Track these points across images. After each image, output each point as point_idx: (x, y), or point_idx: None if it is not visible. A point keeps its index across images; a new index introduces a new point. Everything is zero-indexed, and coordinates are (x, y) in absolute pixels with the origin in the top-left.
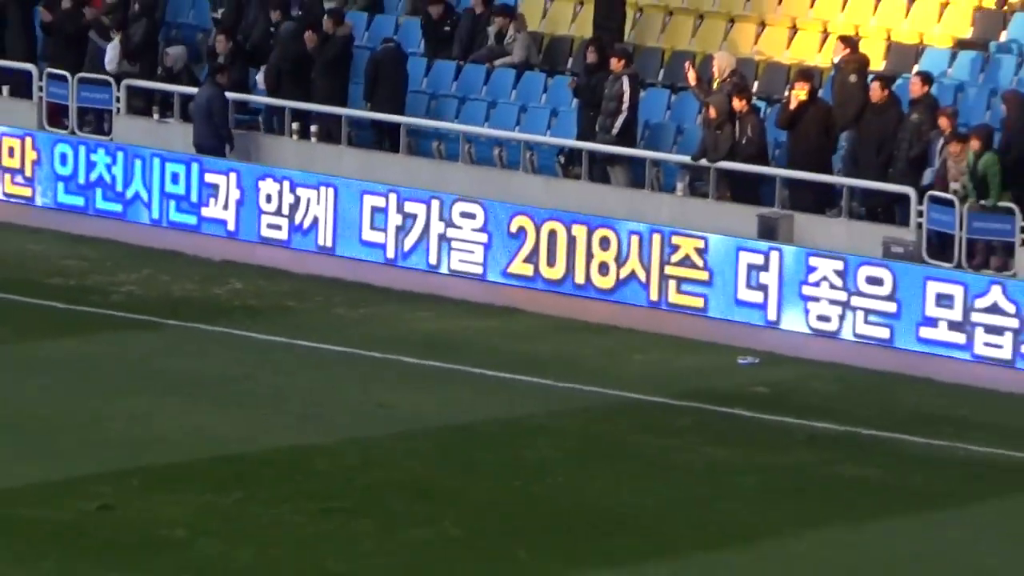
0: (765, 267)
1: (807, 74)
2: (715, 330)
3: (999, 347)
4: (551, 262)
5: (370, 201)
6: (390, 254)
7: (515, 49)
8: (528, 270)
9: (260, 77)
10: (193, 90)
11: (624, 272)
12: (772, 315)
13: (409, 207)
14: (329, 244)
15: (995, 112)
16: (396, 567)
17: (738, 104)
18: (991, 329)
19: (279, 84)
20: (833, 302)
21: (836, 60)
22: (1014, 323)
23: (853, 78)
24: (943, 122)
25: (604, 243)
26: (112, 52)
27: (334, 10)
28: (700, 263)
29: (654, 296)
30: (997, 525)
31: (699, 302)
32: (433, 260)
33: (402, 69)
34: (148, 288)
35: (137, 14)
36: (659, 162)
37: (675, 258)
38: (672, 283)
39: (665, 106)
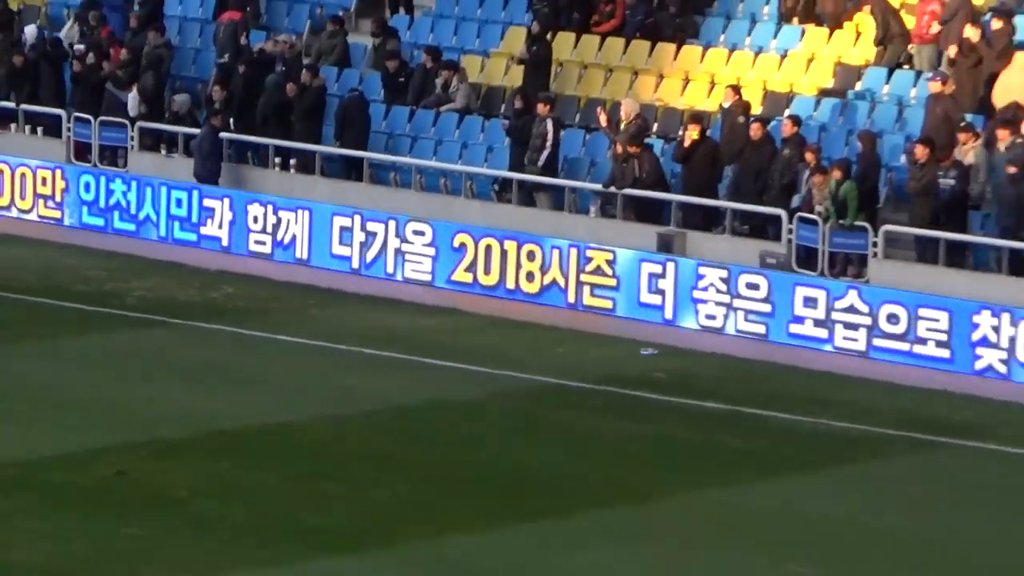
0: (663, 275)
1: (698, 117)
2: (622, 327)
3: (855, 340)
4: (487, 271)
5: (339, 221)
6: (355, 264)
7: (458, 97)
8: (468, 278)
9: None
10: (195, 131)
11: (547, 279)
12: (668, 314)
13: (371, 226)
14: (305, 257)
15: (852, 148)
16: (360, 521)
17: (634, 149)
18: (848, 326)
19: (266, 126)
20: (719, 304)
21: (726, 105)
22: (867, 321)
23: (740, 119)
24: (809, 156)
25: (531, 256)
26: (133, 101)
27: (310, 65)
28: (609, 272)
29: (571, 299)
30: (853, 486)
31: (608, 304)
32: (390, 269)
33: (365, 113)
34: (157, 293)
35: (145, 67)
36: (576, 189)
37: (589, 268)
38: (586, 288)
39: (581, 143)
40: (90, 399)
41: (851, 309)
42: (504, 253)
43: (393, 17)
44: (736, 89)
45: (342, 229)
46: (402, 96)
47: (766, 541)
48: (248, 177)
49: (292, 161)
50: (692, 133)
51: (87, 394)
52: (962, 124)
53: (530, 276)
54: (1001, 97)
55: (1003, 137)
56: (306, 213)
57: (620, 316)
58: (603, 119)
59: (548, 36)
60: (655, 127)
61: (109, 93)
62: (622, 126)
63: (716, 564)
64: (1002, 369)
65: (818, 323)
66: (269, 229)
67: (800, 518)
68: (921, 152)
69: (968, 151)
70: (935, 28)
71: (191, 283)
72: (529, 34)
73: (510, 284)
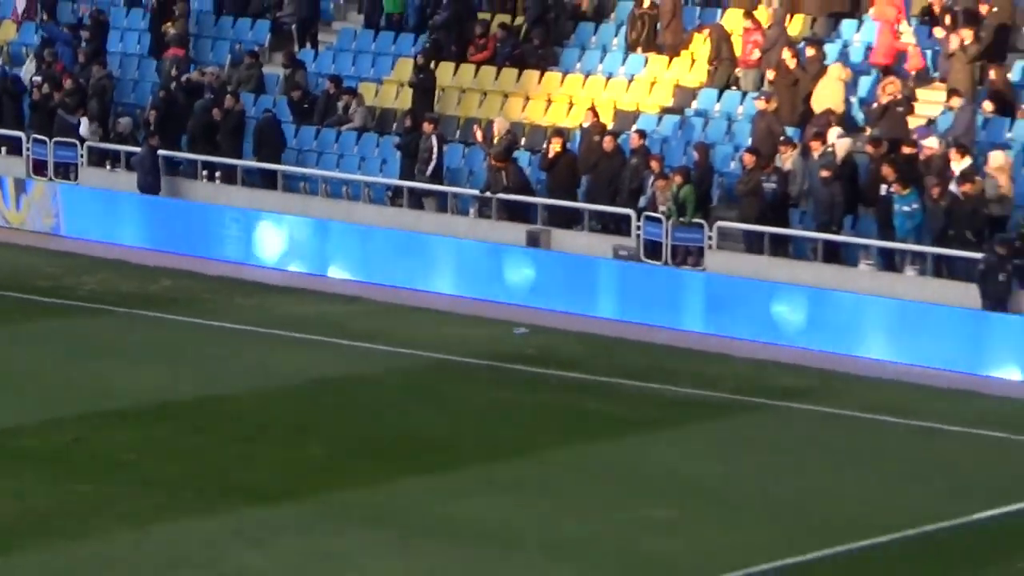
0: (540, 264)
1: (560, 132)
2: (500, 311)
3: (696, 319)
4: (379, 263)
5: (260, 224)
6: (270, 260)
7: (356, 117)
8: (368, 270)
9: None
10: (136, 149)
11: (433, 270)
12: (544, 301)
13: (284, 228)
14: (230, 255)
15: (689, 157)
16: (280, 478)
17: (502, 163)
18: (690, 307)
19: (194, 144)
20: (569, 287)
21: (585, 125)
22: (706, 302)
23: (596, 137)
24: (654, 165)
25: (420, 251)
26: (85, 126)
27: (232, 92)
28: (489, 267)
29: (460, 289)
30: (697, 443)
31: (496, 292)
32: (299, 265)
33: (279, 132)
34: (104, 286)
35: (91, 95)
36: (457, 195)
37: (473, 264)
38: (471, 279)
39: (461, 155)
40: (50, 376)
41: (692, 292)
42: (398, 247)
43: (300, 51)
44: (594, 110)
45: (262, 230)
46: (309, 118)
47: (625, 490)
48: (181, 188)
49: (217, 173)
50: (555, 146)
51: (47, 371)
52: (782, 137)
53: (419, 268)
54: (818, 105)
55: (816, 147)
56: (237, 216)
57: (498, 302)
58: (479, 135)
59: (432, 65)
60: (523, 141)
61: (60, 117)
62: (495, 141)
63: (582, 509)
64: (813, 342)
65: (664, 304)
66: (200, 231)
67: (653, 470)
68: (748, 159)
69: (788, 159)
70: (756, 55)
71: (133, 278)
72: (415, 64)
73: (404, 275)
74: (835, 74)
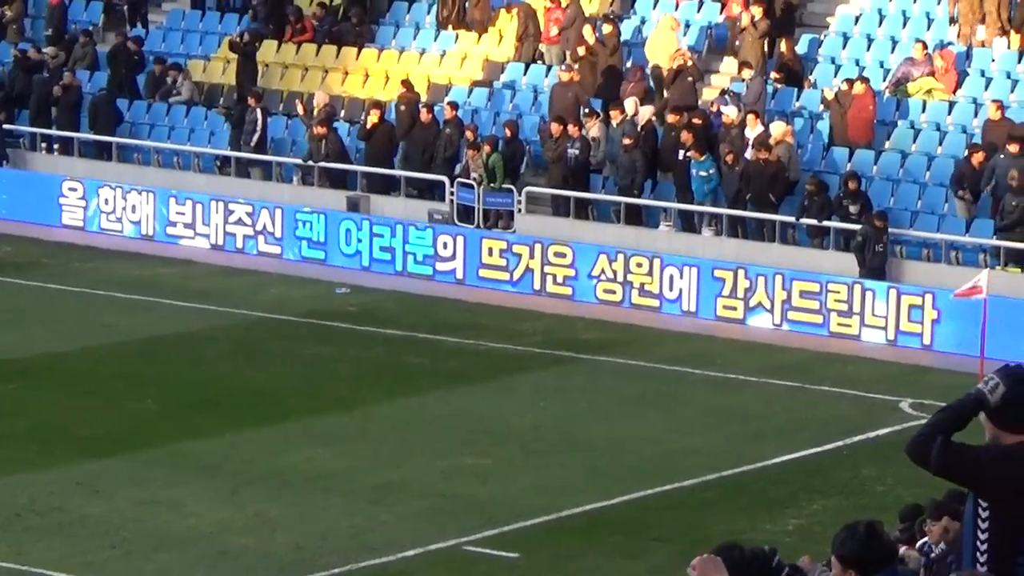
0: (359, 228)
1: (378, 104)
2: (323, 271)
3: (505, 277)
4: (210, 228)
5: (97, 192)
6: (107, 226)
7: (183, 90)
8: (195, 234)
9: None
10: None
11: (260, 235)
12: (364, 262)
13: (119, 196)
14: (69, 222)
15: (499, 128)
16: (119, 430)
17: (321, 130)
18: (498, 268)
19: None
20: (386, 248)
21: (398, 96)
22: (511, 262)
23: (404, 108)
24: (469, 135)
25: (248, 215)
26: None
27: (69, 70)
28: (312, 231)
29: (285, 252)
30: (507, 394)
31: (319, 254)
32: (134, 231)
33: (113, 107)
34: None
35: None
36: (281, 163)
37: (297, 228)
38: (297, 242)
39: (284, 127)
40: None
41: (503, 253)
42: (228, 213)
43: (132, 30)
44: (407, 84)
45: (98, 198)
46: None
47: (443, 439)
48: (24, 159)
49: (56, 145)
50: (373, 117)
51: None
52: (587, 108)
53: (247, 233)
54: (653, 55)
55: (616, 116)
56: (69, 186)
57: (323, 263)
58: (300, 108)
59: (256, 44)
60: (342, 113)
61: None
62: (315, 112)
63: (401, 458)
64: (616, 298)
65: (476, 264)
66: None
67: (469, 420)
68: (555, 129)
69: (592, 127)
70: (556, 31)
71: None
72: (240, 42)
73: (233, 239)
74: (667, 24)
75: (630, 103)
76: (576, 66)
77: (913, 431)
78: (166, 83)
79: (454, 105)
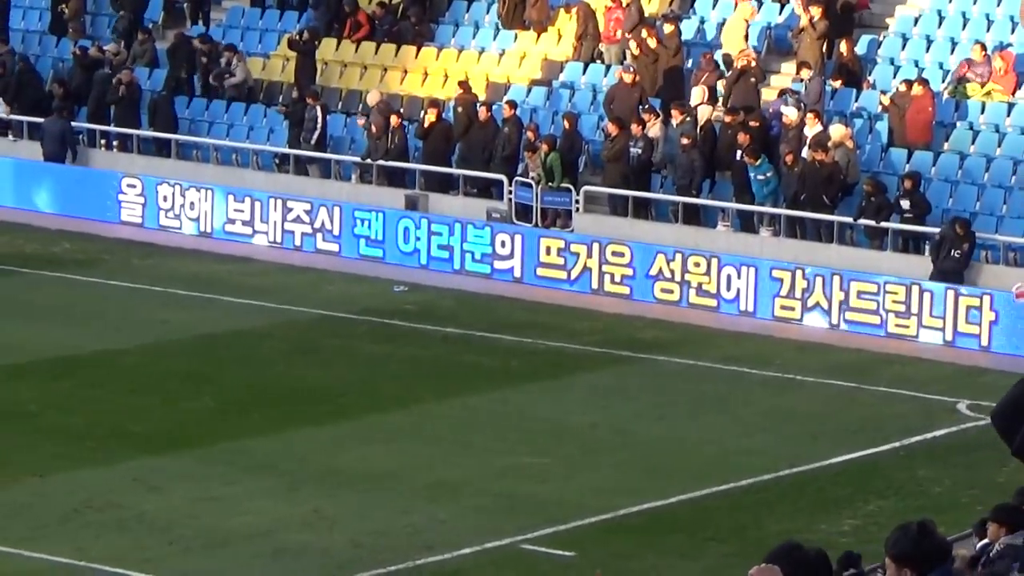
0: (417, 227)
1: (435, 103)
2: (381, 269)
3: (563, 277)
4: (268, 225)
5: (156, 189)
6: (165, 223)
7: (237, 72)
8: (256, 231)
9: None
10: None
11: (318, 233)
12: (422, 260)
13: (178, 193)
14: (128, 219)
15: (557, 126)
16: (175, 427)
17: (395, 121)
18: (557, 267)
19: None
20: (444, 247)
21: (455, 97)
22: (571, 261)
23: (462, 108)
24: (530, 134)
25: (306, 214)
26: None
27: (127, 67)
28: (370, 229)
29: (343, 249)
30: (566, 393)
31: (377, 252)
32: (193, 228)
33: (171, 105)
34: (10, 248)
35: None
36: (340, 162)
37: (356, 226)
38: (355, 240)
39: (343, 125)
40: None
41: (561, 252)
42: (286, 211)
43: (192, 28)
44: (464, 85)
45: (159, 195)
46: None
47: (500, 438)
48: (83, 156)
49: (115, 142)
50: (431, 116)
51: None
52: (646, 107)
53: (305, 230)
54: (729, 41)
55: (676, 116)
56: (129, 182)
57: (381, 260)
58: (362, 120)
59: (316, 42)
60: (402, 111)
61: None
62: (371, 110)
63: (458, 456)
64: (674, 298)
65: (533, 263)
66: (101, 195)
67: (526, 419)
68: (612, 128)
69: (652, 127)
70: (618, 32)
71: (37, 240)
72: (299, 40)
73: (291, 236)
74: (742, 14)
75: (697, 92)
76: (634, 67)
77: (970, 432)
78: (219, 64)
79: (512, 104)
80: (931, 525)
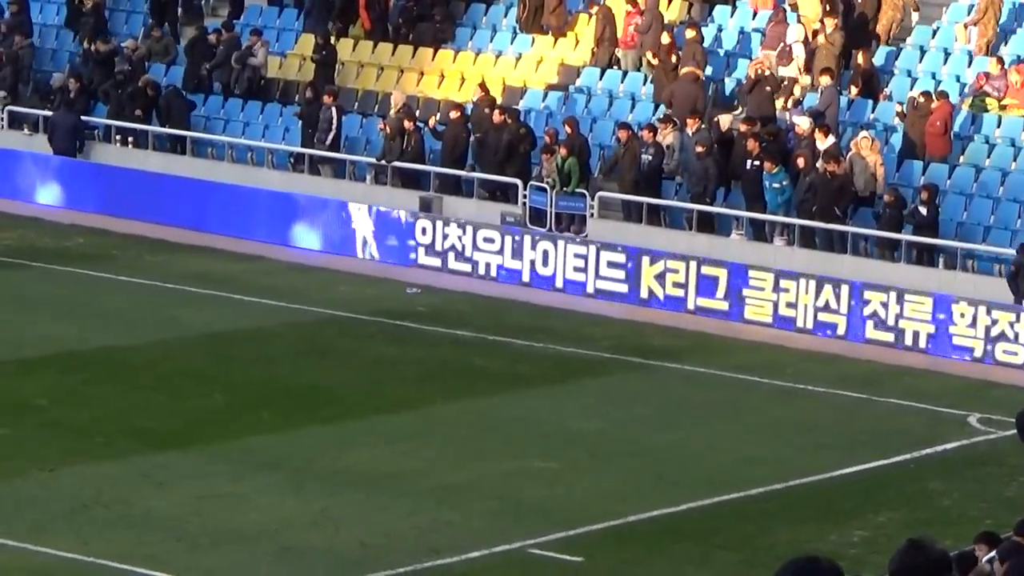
0: (433, 227)
1: (457, 106)
2: (393, 271)
3: (578, 281)
4: (283, 227)
5: (169, 185)
6: (179, 220)
7: (259, 55)
8: (270, 231)
9: None
10: (48, 113)
11: (336, 232)
12: (435, 262)
13: (192, 189)
14: (140, 213)
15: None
16: (181, 424)
17: (409, 124)
18: (575, 269)
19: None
20: (462, 251)
21: (475, 99)
22: (586, 265)
23: (486, 111)
24: (548, 138)
25: (320, 213)
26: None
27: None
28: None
29: (357, 250)
30: (576, 398)
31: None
32: (211, 225)
33: (186, 103)
34: (21, 242)
35: (4, 64)
36: (355, 162)
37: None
38: (370, 240)
39: (359, 126)
40: None
41: (575, 257)
42: (299, 211)
43: (210, 25)
44: (483, 87)
45: (172, 191)
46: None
47: (509, 442)
48: (95, 151)
49: (130, 139)
50: (454, 115)
51: None
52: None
53: (320, 230)
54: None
55: (692, 124)
56: (142, 178)
57: (391, 263)
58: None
59: (332, 42)
60: (417, 114)
61: None
62: (391, 112)
63: (466, 459)
64: (691, 305)
65: (546, 267)
66: (112, 190)
67: (536, 423)
68: (623, 134)
69: (667, 134)
70: (636, 38)
71: (48, 234)
72: (317, 40)
73: (303, 238)
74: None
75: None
76: (652, 75)
77: (981, 446)
78: (242, 46)
79: (529, 108)
80: (926, 540)
